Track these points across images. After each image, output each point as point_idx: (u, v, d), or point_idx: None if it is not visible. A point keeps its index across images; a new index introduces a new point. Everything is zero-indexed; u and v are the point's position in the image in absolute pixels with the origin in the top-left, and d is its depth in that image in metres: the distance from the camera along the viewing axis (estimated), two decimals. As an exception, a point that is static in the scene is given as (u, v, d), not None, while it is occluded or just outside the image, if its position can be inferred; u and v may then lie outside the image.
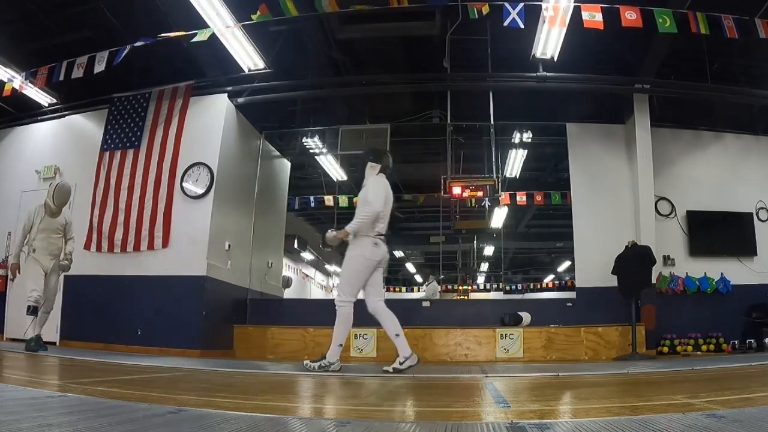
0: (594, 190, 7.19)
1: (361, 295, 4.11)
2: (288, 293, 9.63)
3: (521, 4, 5.14)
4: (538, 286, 17.15)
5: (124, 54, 5.86)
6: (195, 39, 5.66)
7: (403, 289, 18.12)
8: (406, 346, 3.88)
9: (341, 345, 3.99)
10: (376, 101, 7.93)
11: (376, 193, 3.90)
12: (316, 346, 6.37)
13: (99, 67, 5.95)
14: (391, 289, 16.83)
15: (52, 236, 5.16)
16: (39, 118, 7.54)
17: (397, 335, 3.93)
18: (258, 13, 5.44)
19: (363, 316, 7.30)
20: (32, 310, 4.96)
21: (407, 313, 7.18)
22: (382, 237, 4.01)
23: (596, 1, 5.11)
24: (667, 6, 5.23)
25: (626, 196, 7.04)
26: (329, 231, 4.01)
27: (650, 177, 6.85)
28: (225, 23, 5.66)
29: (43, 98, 7.28)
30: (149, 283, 6.27)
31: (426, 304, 7.24)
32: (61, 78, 6.16)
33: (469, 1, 5.35)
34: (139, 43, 5.81)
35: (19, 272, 5.10)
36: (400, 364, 3.84)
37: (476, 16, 5.28)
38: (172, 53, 6.45)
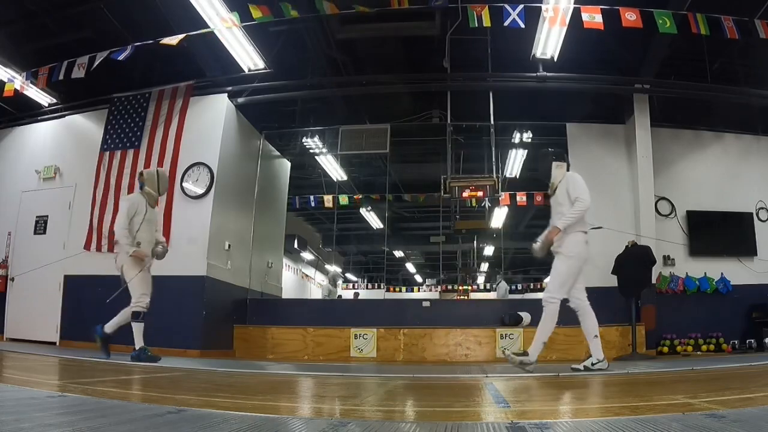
0: (594, 190, 7.11)
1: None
2: (287, 293, 9.63)
3: (521, 5, 5.14)
4: (539, 286, 17.17)
5: (126, 54, 5.84)
6: (195, 33, 5.65)
7: (403, 288, 18.14)
8: (599, 350, 3.96)
9: (545, 343, 3.89)
10: (376, 101, 7.93)
11: (584, 189, 4.03)
12: (316, 346, 6.38)
13: (97, 63, 5.94)
14: (392, 289, 16.85)
15: (153, 228, 4.92)
16: (39, 118, 7.54)
17: (596, 336, 3.99)
18: (258, 11, 5.43)
19: (364, 316, 7.30)
20: (141, 317, 4.57)
21: (407, 313, 7.21)
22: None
23: (596, 1, 5.11)
24: (668, 7, 5.23)
25: (626, 196, 7.04)
26: (535, 244, 4.11)
27: (650, 177, 6.85)
28: (225, 23, 5.66)
29: (43, 98, 7.28)
30: (149, 283, 6.26)
31: (426, 304, 7.24)
32: (61, 77, 6.15)
33: (469, 2, 5.35)
34: (139, 43, 5.80)
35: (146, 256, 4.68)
36: (592, 365, 3.91)
37: (476, 24, 5.28)
38: (172, 53, 6.44)
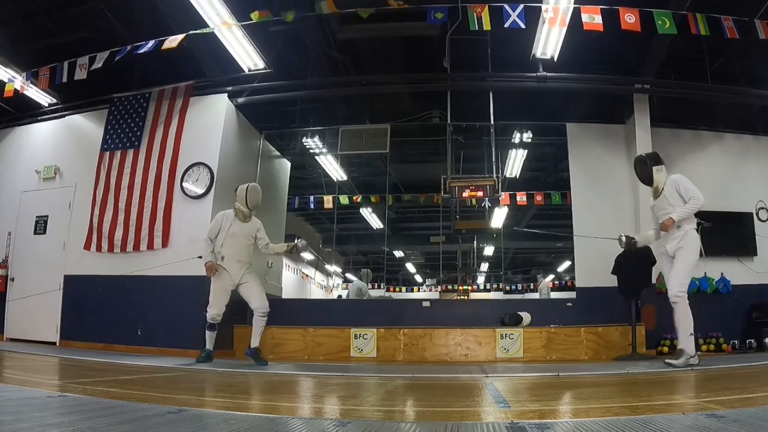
0: (594, 190, 7.18)
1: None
2: (287, 293, 9.63)
3: (521, 5, 5.14)
4: (539, 286, 17.14)
5: (124, 54, 5.85)
6: (196, 32, 5.66)
7: (404, 288, 18.13)
8: (692, 348, 4.15)
9: (692, 334, 4.17)
10: (376, 101, 7.93)
11: (696, 188, 4.34)
12: (316, 346, 6.38)
13: (97, 65, 5.95)
14: (392, 289, 16.83)
15: (242, 242, 4.99)
16: (39, 118, 7.53)
17: (691, 335, 4.17)
18: (258, 14, 5.44)
19: (363, 316, 7.30)
20: (209, 326, 4.93)
21: (407, 313, 7.20)
22: None
23: (597, 1, 5.11)
24: (668, 7, 5.23)
25: (626, 196, 7.04)
26: (623, 235, 4.79)
27: (650, 177, 6.84)
28: (225, 23, 5.66)
29: (43, 98, 7.27)
30: (149, 283, 6.27)
31: (426, 304, 7.24)
32: (65, 80, 6.17)
33: (469, 2, 5.35)
34: (142, 50, 5.80)
35: (215, 270, 4.88)
36: (686, 360, 4.08)
37: (476, 27, 5.28)
38: (172, 53, 6.43)
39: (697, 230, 4.40)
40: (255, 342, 4.92)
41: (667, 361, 4.13)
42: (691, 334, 4.14)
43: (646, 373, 3.65)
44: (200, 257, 5.03)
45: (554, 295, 14.87)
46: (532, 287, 16.70)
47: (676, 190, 4.35)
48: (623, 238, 4.78)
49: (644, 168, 4.53)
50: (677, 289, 4.16)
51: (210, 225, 5.08)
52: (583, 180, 7.26)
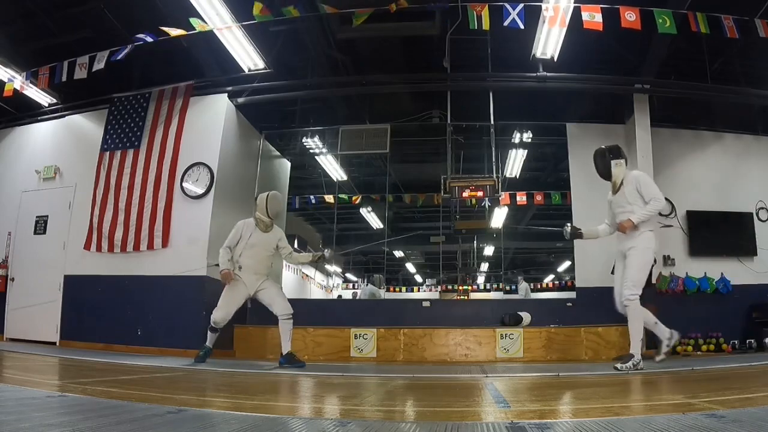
0: (594, 190, 7.16)
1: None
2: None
3: (521, 5, 5.14)
4: (538, 286, 17.13)
5: (125, 52, 5.84)
6: (196, 30, 5.64)
7: (404, 288, 18.12)
8: (664, 329, 4.05)
9: (642, 339, 4.01)
10: (376, 101, 7.92)
11: (658, 190, 4.10)
12: (316, 346, 6.38)
13: (98, 66, 5.94)
14: (392, 289, 16.83)
15: (262, 253, 4.91)
16: (39, 118, 7.54)
17: (656, 323, 4.07)
18: (260, 7, 5.42)
19: (363, 316, 7.30)
20: (211, 329, 4.85)
21: (407, 313, 7.21)
22: None
23: (597, 0, 5.11)
24: (667, 6, 5.23)
25: (626, 196, 7.03)
26: (569, 225, 4.59)
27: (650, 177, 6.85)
28: (225, 23, 5.67)
29: (43, 98, 7.28)
30: (149, 283, 6.27)
31: (426, 304, 7.24)
32: (64, 79, 6.15)
33: (469, 1, 5.35)
34: (140, 36, 5.76)
35: (231, 279, 4.79)
36: (667, 346, 4.02)
37: (476, 26, 5.28)
38: (172, 53, 6.44)
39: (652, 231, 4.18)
40: (286, 348, 4.73)
41: (615, 366, 3.87)
42: (641, 339, 3.98)
43: (646, 373, 3.65)
44: (217, 265, 4.93)
45: (554, 295, 14.89)
46: (532, 287, 16.68)
47: (636, 189, 4.10)
48: (568, 229, 4.57)
49: (603, 160, 4.28)
50: (629, 292, 3.93)
51: (230, 233, 4.94)
52: (583, 180, 7.25)
